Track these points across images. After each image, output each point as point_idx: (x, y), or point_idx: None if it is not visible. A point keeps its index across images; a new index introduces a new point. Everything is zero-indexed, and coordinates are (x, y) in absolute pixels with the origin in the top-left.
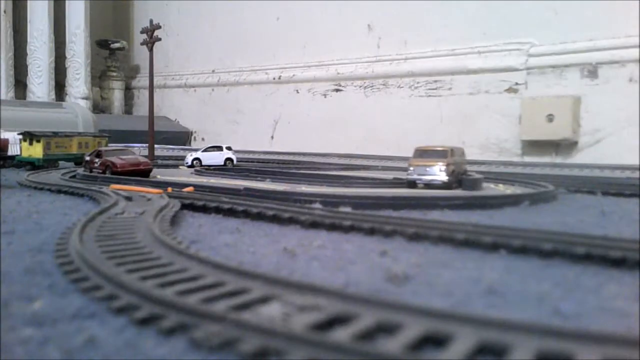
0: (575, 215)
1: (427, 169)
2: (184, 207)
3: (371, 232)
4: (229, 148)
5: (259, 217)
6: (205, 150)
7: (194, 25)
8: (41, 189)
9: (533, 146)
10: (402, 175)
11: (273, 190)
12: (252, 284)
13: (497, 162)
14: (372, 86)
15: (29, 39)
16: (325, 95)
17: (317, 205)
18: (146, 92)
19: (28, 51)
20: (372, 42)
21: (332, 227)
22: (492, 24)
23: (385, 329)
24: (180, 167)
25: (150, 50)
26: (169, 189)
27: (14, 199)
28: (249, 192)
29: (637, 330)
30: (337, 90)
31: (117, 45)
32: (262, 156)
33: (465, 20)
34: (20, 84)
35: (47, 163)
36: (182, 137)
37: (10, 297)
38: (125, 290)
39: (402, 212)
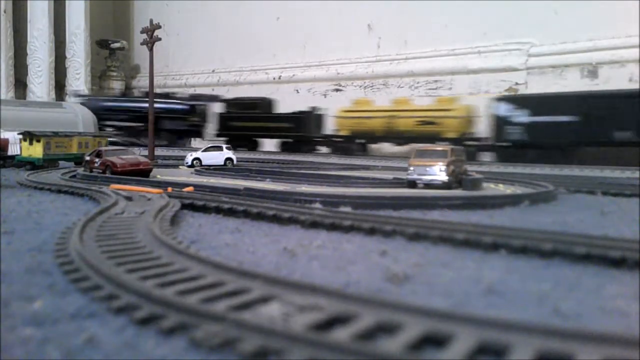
0: (575, 215)
1: (427, 169)
2: (184, 207)
3: (371, 232)
4: (229, 148)
5: (259, 217)
6: (205, 150)
7: (194, 25)
8: (41, 188)
9: None
10: (402, 175)
11: (273, 190)
12: (252, 283)
13: (497, 162)
14: (372, 86)
15: (29, 39)
16: (325, 95)
17: (317, 205)
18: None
19: (28, 51)
20: (372, 42)
21: (332, 227)
22: (492, 24)
23: (386, 329)
24: (180, 167)
25: (150, 50)
26: (169, 189)
27: (14, 199)
28: (249, 192)
29: (637, 330)
30: (337, 90)
31: (117, 45)
32: (262, 156)
33: (465, 20)
34: (20, 83)
35: (47, 163)
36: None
37: (10, 296)
38: (125, 290)
39: (402, 212)
